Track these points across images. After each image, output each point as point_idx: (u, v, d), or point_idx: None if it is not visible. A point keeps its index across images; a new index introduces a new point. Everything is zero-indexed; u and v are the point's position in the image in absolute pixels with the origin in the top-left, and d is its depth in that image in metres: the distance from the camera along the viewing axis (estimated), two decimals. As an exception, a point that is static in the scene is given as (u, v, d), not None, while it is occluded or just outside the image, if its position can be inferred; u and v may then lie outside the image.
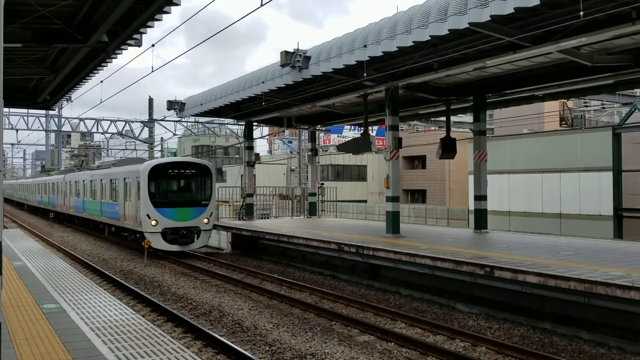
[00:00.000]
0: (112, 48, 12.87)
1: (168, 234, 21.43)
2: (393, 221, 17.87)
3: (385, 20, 13.83)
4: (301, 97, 19.80)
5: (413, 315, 12.08)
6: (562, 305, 10.61)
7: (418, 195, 48.10)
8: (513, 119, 31.71)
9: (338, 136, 53.88)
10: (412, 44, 12.94)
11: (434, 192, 45.44)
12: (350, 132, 51.79)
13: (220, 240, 25.81)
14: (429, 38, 12.45)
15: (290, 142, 58.23)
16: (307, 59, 16.36)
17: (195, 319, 12.11)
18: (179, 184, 23.16)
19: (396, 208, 18.02)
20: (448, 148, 20.08)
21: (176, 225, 21.60)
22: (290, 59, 16.52)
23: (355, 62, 14.72)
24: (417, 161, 48.11)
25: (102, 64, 14.63)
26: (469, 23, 11.39)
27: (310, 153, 28.39)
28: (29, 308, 8.73)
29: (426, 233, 19.20)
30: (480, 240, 16.60)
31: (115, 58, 13.97)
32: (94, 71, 15.50)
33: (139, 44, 13.01)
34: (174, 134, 46.51)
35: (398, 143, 17.70)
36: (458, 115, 26.51)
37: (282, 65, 16.76)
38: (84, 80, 16.82)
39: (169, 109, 25.92)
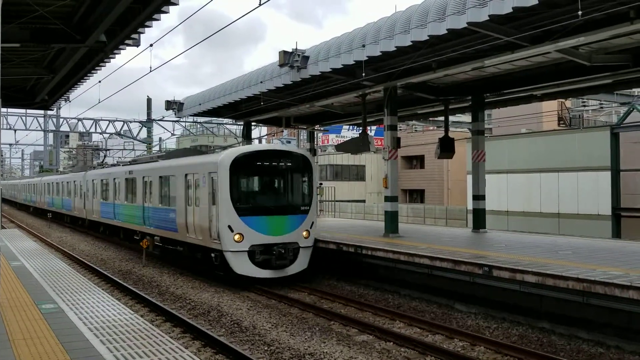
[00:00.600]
0: (110, 48, 12.88)
1: (258, 254, 15.17)
2: (391, 221, 17.88)
3: (384, 20, 13.83)
4: (299, 97, 19.80)
5: (412, 314, 12.09)
6: (561, 305, 10.61)
7: (416, 195, 48.14)
8: (511, 119, 31.76)
9: (337, 136, 53.96)
10: (411, 43, 12.96)
11: (433, 191, 45.48)
12: (348, 132, 51.89)
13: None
14: (428, 38, 12.47)
15: (289, 142, 58.24)
16: (306, 58, 16.37)
17: (194, 318, 12.10)
18: (272, 183, 16.94)
19: (395, 208, 18.04)
20: (446, 148, 20.10)
21: (269, 241, 15.35)
22: (289, 58, 16.52)
23: (354, 62, 14.74)
24: (416, 161, 48.15)
25: (100, 64, 14.64)
26: (467, 22, 11.41)
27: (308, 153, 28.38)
28: (27, 308, 8.72)
29: (425, 233, 19.21)
30: (478, 240, 16.62)
31: (114, 58, 13.99)
32: (92, 71, 15.51)
33: (137, 43, 13.03)
34: (172, 134, 46.55)
35: (396, 143, 17.73)
36: (456, 115, 26.52)
37: (281, 65, 16.77)
38: (82, 80, 16.83)
39: (167, 109, 25.92)
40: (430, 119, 27.48)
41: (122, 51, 13.54)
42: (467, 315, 12.10)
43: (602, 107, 40.19)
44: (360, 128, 21.33)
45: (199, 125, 50.70)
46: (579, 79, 15.95)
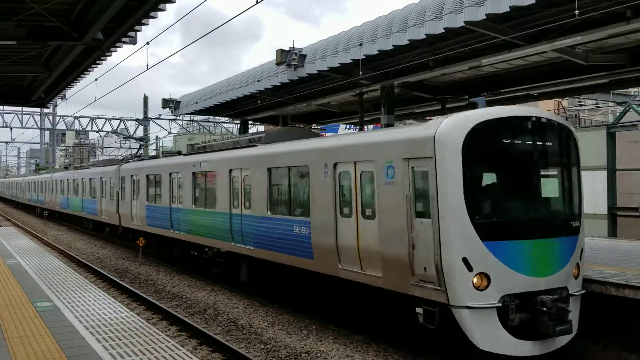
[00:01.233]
0: (107, 46, 12.85)
1: (512, 311, 8.47)
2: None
3: (381, 19, 13.83)
4: (296, 95, 19.78)
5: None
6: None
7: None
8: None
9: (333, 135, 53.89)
10: (408, 42, 12.97)
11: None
12: (345, 131, 51.81)
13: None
14: (425, 36, 12.47)
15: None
16: (303, 57, 16.36)
17: (190, 317, 12.09)
18: (532, 178, 9.54)
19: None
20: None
21: (531, 288, 8.65)
22: (286, 57, 16.50)
23: (351, 61, 14.72)
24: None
25: (97, 62, 14.60)
26: (464, 22, 11.43)
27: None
28: (22, 306, 8.70)
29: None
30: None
31: (110, 56, 13.96)
32: (89, 69, 15.47)
33: (133, 41, 12.98)
34: (169, 132, 46.53)
35: (393, 142, 17.69)
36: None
37: (278, 64, 16.76)
38: (78, 78, 16.79)
39: (164, 107, 25.90)
40: (428, 118, 27.49)
41: (118, 49, 13.51)
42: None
43: (598, 107, 40.35)
44: (357, 127, 21.31)
45: (195, 124, 50.63)
46: (575, 79, 15.95)
